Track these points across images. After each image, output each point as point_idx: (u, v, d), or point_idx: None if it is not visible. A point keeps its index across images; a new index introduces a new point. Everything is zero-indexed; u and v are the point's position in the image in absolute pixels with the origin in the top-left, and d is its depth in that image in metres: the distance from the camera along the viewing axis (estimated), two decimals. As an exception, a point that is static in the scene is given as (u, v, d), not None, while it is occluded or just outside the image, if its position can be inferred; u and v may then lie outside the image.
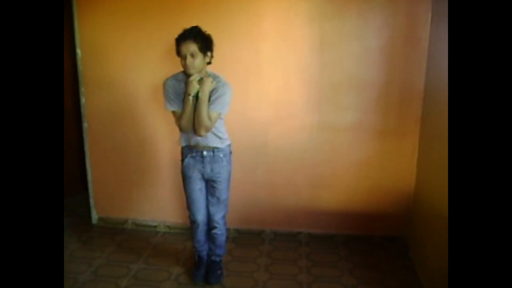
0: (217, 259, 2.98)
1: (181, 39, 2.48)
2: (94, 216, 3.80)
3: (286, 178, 3.44)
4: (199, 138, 2.63)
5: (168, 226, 3.68)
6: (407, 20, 3.09)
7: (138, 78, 3.42)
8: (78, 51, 3.46)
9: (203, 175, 2.73)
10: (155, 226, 3.70)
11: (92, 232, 3.68)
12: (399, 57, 3.15)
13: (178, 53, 2.52)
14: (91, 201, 3.76)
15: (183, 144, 2.73)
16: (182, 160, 2.76)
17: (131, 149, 3.58)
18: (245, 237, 3.55)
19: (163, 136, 3.46)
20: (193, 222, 2.84)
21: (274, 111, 3.33)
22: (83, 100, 3.55)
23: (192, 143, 2.68)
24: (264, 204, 3.47)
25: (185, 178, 2.76)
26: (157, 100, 3.42)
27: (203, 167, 2.70)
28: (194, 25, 2.54)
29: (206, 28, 2.56)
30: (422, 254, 3.02)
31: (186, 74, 2.55)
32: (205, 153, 2.67)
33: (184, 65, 2.51)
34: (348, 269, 3.10)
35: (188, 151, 2.72)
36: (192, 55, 2.47)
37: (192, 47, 2.46)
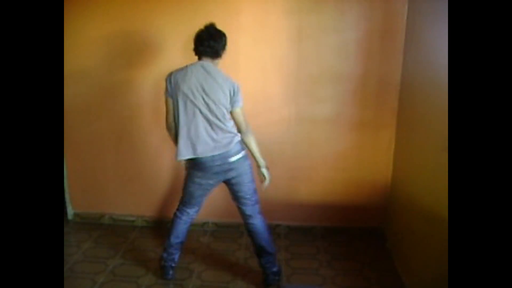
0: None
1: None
2: (70, 211, 3.72)
3: (265, 171, 3.43)
4: None
5: (145, 221, 3.64)
6: (384, 13, 3.11)
7: (114, 70, 3.34)
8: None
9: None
10: (132, 221, 3.66)
11: (68, 228, 3.61)
12: (376, 50, 3.17)
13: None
14: (67, 196, 3.69)
15: None
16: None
17: (107, 143, 3.51)
18: (224, 231, 3.54)
19: (139, 130, 3.41)
20: None
21: (252, 104, 3.30)
22: (56, 93, 3.45)
23: None
24: (243, 197, 3.47)
25: None
26: (134, 93, 3.37)
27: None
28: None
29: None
30: (399, 244, 3.07)
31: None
32: None
33: None
34: (326, 260, 3.13)
35: None
36: None
37: None
